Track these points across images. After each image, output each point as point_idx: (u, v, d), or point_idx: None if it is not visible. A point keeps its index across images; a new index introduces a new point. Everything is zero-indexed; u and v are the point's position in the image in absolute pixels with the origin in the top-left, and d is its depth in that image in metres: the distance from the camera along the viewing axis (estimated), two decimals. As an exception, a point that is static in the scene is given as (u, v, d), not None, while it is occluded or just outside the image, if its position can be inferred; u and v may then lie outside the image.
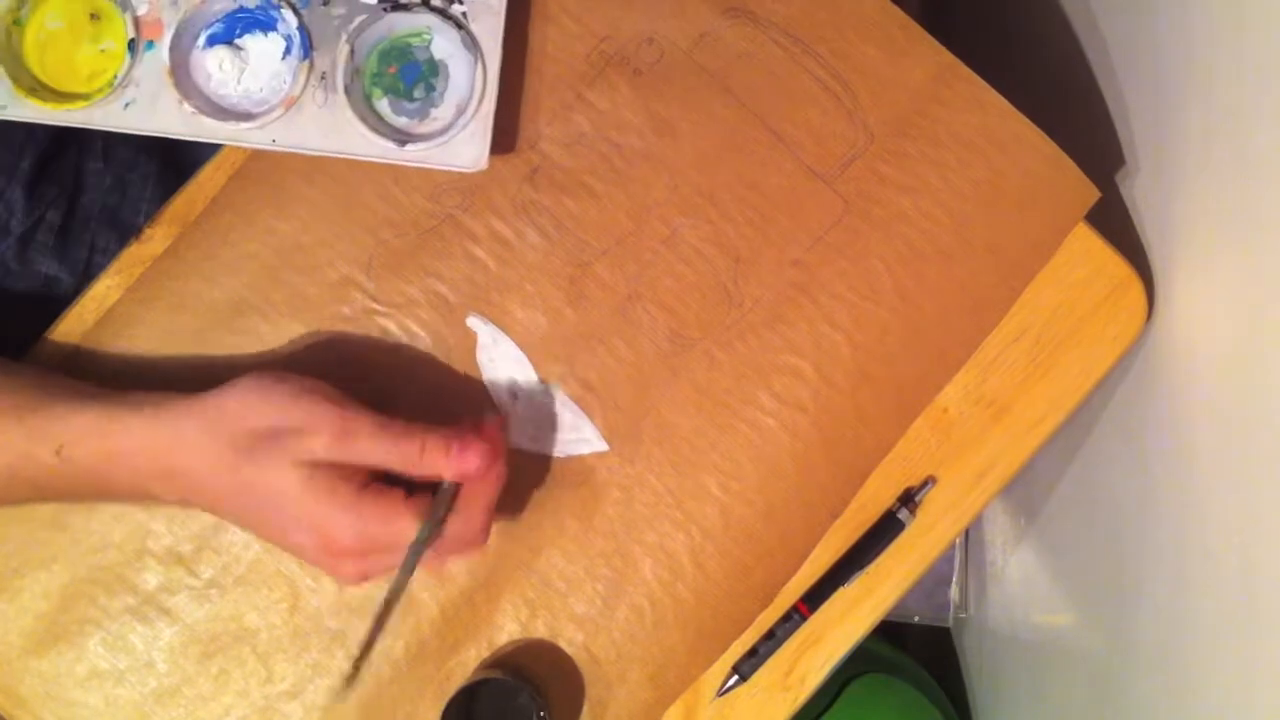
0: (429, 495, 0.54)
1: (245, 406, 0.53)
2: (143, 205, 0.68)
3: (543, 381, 0.61)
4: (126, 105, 0.57)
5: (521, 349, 0.61)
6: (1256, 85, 0.51)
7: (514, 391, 0.61)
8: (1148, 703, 0.62)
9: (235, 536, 0.61)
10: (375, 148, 0.58)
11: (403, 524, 0.52)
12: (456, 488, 0.54)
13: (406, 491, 0.54)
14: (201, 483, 0.53)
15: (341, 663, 0.61)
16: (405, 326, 0.61)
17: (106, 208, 0.67)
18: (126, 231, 0.67)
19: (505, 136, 0.61)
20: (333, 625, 0.61)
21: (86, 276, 0.66)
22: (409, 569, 0.52)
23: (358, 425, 0.53)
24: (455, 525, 0.54)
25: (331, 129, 0.58)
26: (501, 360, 0.61)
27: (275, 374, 0.55)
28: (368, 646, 0.50)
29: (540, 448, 0.61)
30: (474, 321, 0.61)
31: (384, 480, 0.54)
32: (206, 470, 0.53)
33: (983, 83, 0.62)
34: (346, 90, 0.58)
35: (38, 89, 0.57)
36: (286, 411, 0.53)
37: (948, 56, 0.62)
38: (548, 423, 0.61)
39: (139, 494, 0.55)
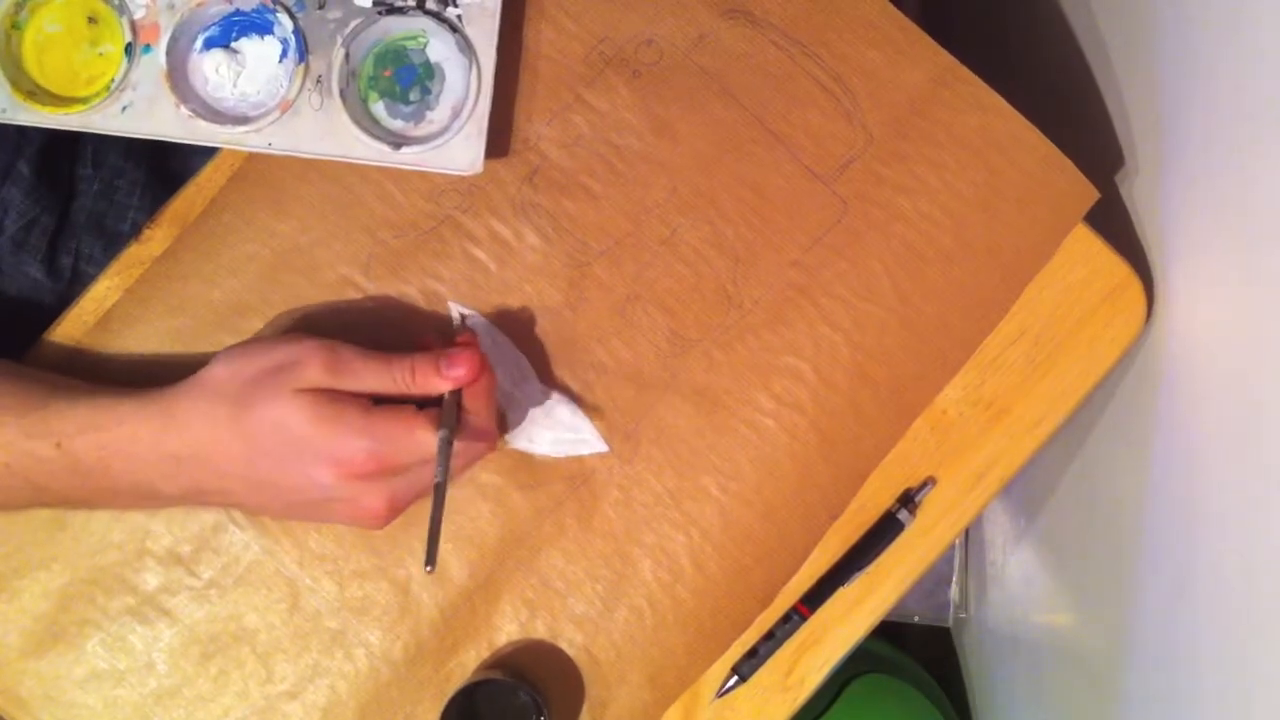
0: (436, 409, 0.54)
1: (232, 368, 0.54)
2: (129, 213, 0.68)
3: (542, 382, 0.61)
4: (124, 109, 0.57)
5: (520, 350, 0.61)
6: (1256, 85, 0.51)
7: (513, 393, 0.61)
8: (1148, 703, 0.62)
9: (235, 537, 0.61)
10: (371, 151, 0.58)
11: (420, 434, 0.53)
12: (458, 397, 0.55)
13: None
14: (205, 456, 0.53)
15: (341, 663, 0.61)
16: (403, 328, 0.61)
17: (94, 214, 0.67)
18: (112, 239, 0.67)
19: (503, 138, 0.61)
20: (333, 625, 0.61)
21: (71, 283, 0.66)
22: (444, 466, 0.52)
23: (347, 353, 0.54)
24: (467, 428, 0.55)
25: (327, 132, 0.58)
26: (500, 361, 0.61)
27: (250, 339, 0.57)
28: (433, 543, 0.51)
29: (539, 449, 0.61)
30: (469, 317, 0.61)
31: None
32: (207, 438, 0.53)
33: (982, 84, 0.62)
34: (342, 94, 0.58)
35: (36, 93, 0.57)
36: (273, 354, 0.54)
37: (947, 58, 0.62)
38: (547, 424, 0.61)
39: (141, 490, 0.55)
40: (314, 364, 0.53)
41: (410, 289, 0.61)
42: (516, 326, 0.62)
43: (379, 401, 0.54)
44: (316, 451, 0.53)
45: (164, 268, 0.61)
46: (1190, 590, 0.57)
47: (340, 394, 0.53)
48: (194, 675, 0.61)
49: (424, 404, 0.55)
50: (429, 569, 0.50)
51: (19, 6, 0.57)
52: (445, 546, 0.61)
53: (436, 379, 0.54)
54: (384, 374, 0.54)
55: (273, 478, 0.54)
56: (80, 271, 0.66)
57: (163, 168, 0.69)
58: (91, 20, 0.58)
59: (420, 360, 0.54)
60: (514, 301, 0.62)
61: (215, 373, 0.54)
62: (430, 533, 0.51)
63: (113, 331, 0.61)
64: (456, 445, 0.53)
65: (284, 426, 0.52)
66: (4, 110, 0.56)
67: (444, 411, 0.54)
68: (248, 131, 0.57)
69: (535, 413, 0.61)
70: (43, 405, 0.54)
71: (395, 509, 0.55)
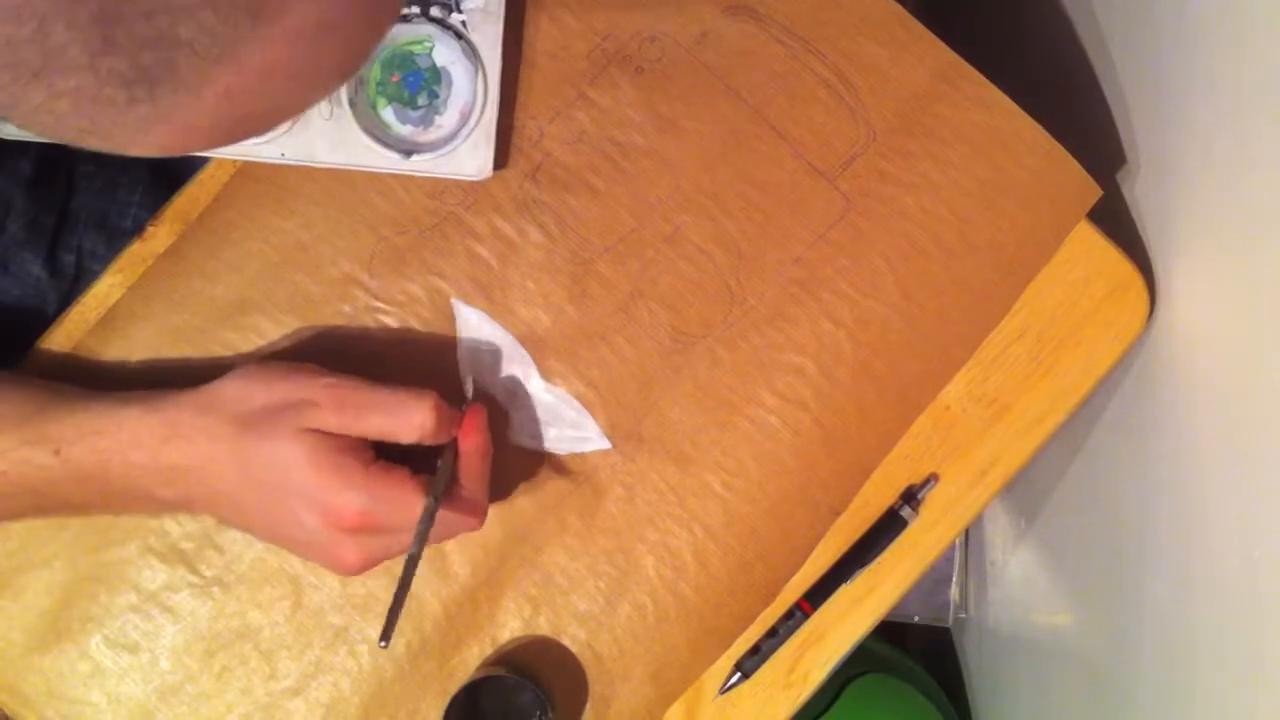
0: (432, 475, 0.54)
1: (243, 390, 0.54)
2: (132, 209, 0.68)
3: (545, 379, 0.61)
4: (141, 124, 0.57)
5: (524, 346, 0.61)
6: (1257, 84, 0.51)
7: (516, 389, 0.61)
8: (1148, 703, 0.62)
9: (238, 534, 0.61)
10: (382, 160, 0.58)
11: (414, 501, 0.53)
12: (452, 466, 0.55)
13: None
14: (201, 473, 0.53)
15: (345, 659, 0.61)
16: (407, 324, 0.61)
17: (96, 211, 0.67)
18: (114, 235, 0.67)
19: (506, 135, 0.61)
20: (336, 622, 0.61)
21: (75, 280, 0.66)
22: (422, 538, 0.52)
23: (358, 396, 0.54)
24: (459, 497, 0.55)
25: (339, 142, 0.58)
26: (503, 358, 0.61)
27: (267, 362, 0.56)
28: (394, 614, 0.51)
29: (543, 445, 0.61)
30: (459, 307, 0.61)
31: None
32: (205, 455, 0.53)
33: (985, 80, 0.62)
34: (352, 103, 0.58)
35: None
36: (286, 388, 0.54)
37: (950, 54, 0.62)
38: (550, 420, 0.61)
39: (138, 495, 0.54)
40: (324, 405, 0.53)
41: (414, 286, 0.61)
42: (519, 323, 0.62)
43: (379, 448, 0.54)
44: (309, 497, 0.52)
45: (167, 265, 0.61)
46: (1190, 590, 0.57)
47: (344, 442, 0.53)
48: (197, 672, 0.61)
49: (420, 469, 0.54)
50: (383, 644, 0.51)
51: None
52: (450, 543, 0.61)
53: (457, 422, 0.55)
54: (398, 418, 0.53)
55: (260, 507, 0.54)
56: (83, 269, 0.66)
57: (164, 164, 0.69)
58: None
59: (441, 404, 0.54)
60: (517, 298, 0.62)
61: (226, 390, 0.54)
62: (391, 608, 0.51)
63: (116, 329, 0.61)
64: (442, 515, 0.53)
65: (282, 465, 0.52)
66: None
67: (435, 479, 0.54)
68: (260, 143, 0.58)
69: (539, 410, 0.61)
70: (40, 412, 0.54)
71: (368, 564, 0.55)
